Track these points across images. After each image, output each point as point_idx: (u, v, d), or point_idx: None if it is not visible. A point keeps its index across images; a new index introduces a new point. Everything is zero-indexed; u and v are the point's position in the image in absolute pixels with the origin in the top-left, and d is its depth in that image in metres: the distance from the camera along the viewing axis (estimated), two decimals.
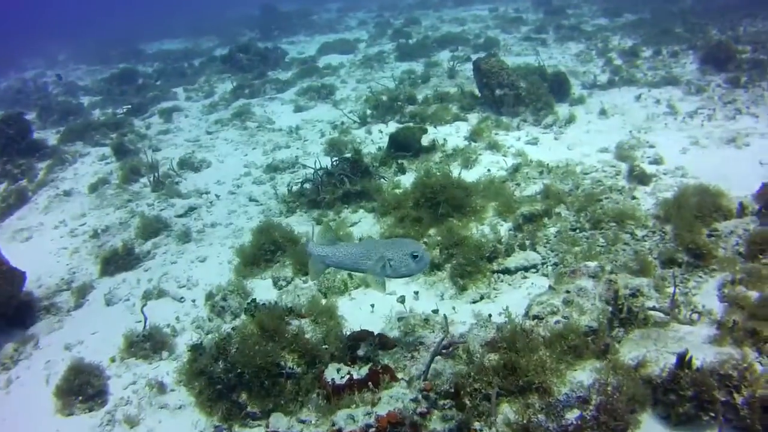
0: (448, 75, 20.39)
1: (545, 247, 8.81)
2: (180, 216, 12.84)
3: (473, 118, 15.36)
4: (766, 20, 23.96)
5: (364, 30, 35.65)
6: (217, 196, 13.55)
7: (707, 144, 12.27)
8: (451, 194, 9.94)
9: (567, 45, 23.76)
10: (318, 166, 12.29)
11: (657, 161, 11.46)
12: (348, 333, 6.58)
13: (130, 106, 22.73)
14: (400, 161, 12.71)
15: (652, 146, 12.28)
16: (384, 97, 17.02)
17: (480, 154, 12.81)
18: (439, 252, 8.80)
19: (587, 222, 9.15)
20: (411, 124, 14.31)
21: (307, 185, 12.23)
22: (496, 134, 14.03)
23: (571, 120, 14.46)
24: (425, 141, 13.13)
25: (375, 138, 15.15)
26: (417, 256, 5.66)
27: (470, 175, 11.57)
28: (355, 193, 11.50)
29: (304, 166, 13.77)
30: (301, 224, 11.30)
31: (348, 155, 12.71)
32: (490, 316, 6.89)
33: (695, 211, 8.60)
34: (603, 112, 14.63)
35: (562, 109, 15.26)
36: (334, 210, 11.42)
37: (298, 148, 15.74)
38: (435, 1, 43.74)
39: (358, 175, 11.89)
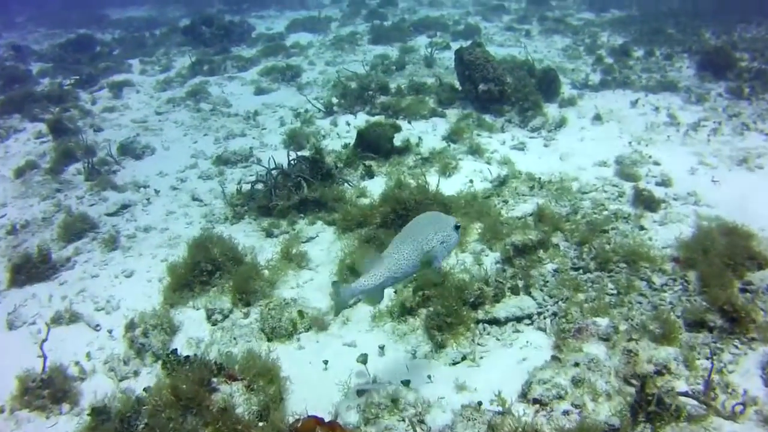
0: (425, 63, 18.62)
1: (542, 290, 7.18)
2: (111, 214, 10.93)
3: (452, 114, 13.70)
4: (761, 26, 22.71)
5: (337, 8, 33.58)
6: (157, 192, 11.66)
7: (717, 164, 10.81)
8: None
9: (552, 38, 22.18)
10: (272, 165, 10.52)
11: (665, 183, 9.93)
12: (290, 420, 4.84)
13: (78, 77, 20.43)
14: (368, 163, 10.99)
15: (656, 163, 10.77)
16: (353, 84, 15.25)
17: (460, 159, 11.16)
18: (412, 293, 7.12)
19: (592, 260, 7.55)
20: (382, 120, 12.57)
21: (259, 186, 10.46)
22: (479, 135, 12.40)
23: (561, 124, 12.88)
24: (398, 140, 11.44)
25: (341, 130, 13.39)
26: (458, 225, 5.22)
27: (449, 186, 9.90)
28: (314, 201, 9.76)
29: (258, 162, 11.99)
30: (248, 236, 9.55)
31: (308, 153, 10.94)
32: (480, 404, 5.23)
33: (725, 257, 7.06)
34: (598, 118, 13.07)
35: (552, 111, 13.69)
36: (288, 220, 9.66)
37: (254, 138, 13.90)
38: None
39: (319, 177, 10.17)
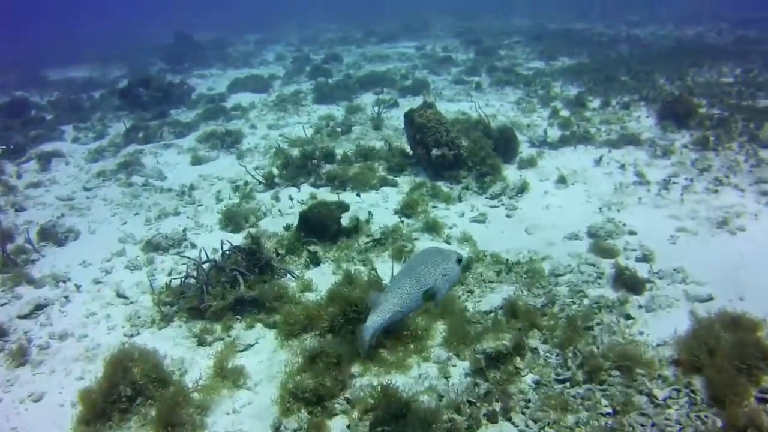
0: (372, 124, 17.52)
1: (523, 413, 5.92)
2: (23, 317, 9.39)
3: (405, 182, 12.59)
4: (713, 69, 22.38)
5: (281, 65, 32.65)
6: (77, 287, 10.11)
7: (696, 229, 9.83)
8: None
9: (504, 90, 21.43)
10: (204, 257, 9.18)
11: (646, 257, 8.87)
12: None
13: (5, 147, 18.75)
14: (312, 249, 9.73)
15: (632, 232, 9.74)
16: (296, 153, 14.05)
17: (416, 239, 9.98)
18: (369, 431, 5.80)
19: (579, 368, 6.35)
20: (327, 199, 11.30)
21: (192, 280, 9.08)
22: (434, 207, 11.28)
23: (523, 188, 11.84)
24: (345, 219, 10.22)
25: (284, 206, 12.12)
26: (461, 259, 5.20)
27: None
28: (252, 300, 8.42)
29: (193, 246, 10.64)
30: (177, 344, 8.11)
31: (244, 241, 9.62)
32: None
33: (735, 358, 5.94)
34: (561, 180, 12.08)
35: (511, 174, 12.68)
36: (223, 324, 8.28)
37: (188, 217, 12.51)
38: (358, 36, 41.31)
39: (257, 270, 8.86)
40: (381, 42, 38.30)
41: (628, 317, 7.43)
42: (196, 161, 16.20)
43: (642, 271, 8.42)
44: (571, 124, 16.06)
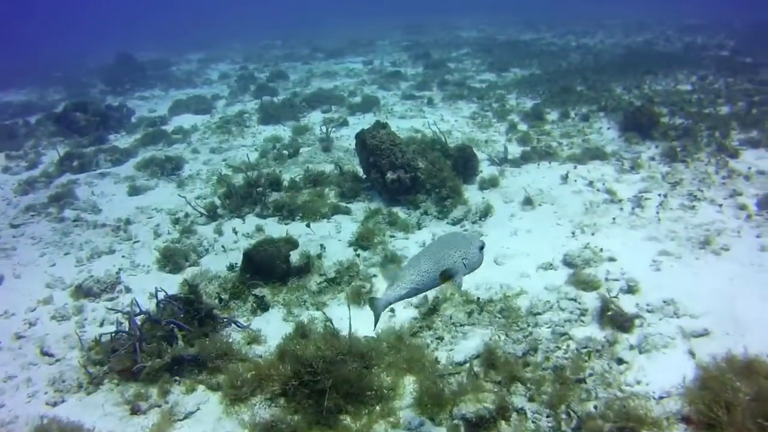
0: (321, 146, 16.43)
1: None
2: None
3: (358, 209, 11.60)
4: (668, 77, 22.01)
5: (225, 84, 31.33)
6: None
7: (679, 251, 9.06)
8: (342, 374, 6.02)
9: (457, 104, 20.59)
10: (137, 307, 8.02)
11: (631, 289, 7.99)
12: None
13: None
14: (259, 293, 8.63)
15: (612, 259, 8.91)
16: (240, 180, 12.93)
17: (374, 276, 8.97)
18: None
19: None
20: (273, 237, 10.13)
21: (124, 334, 7.89)
22: (392, 237, 10.29)
23: (487, 212, 10.94)
24: (295, 256, 9.16)
25: (227, 241, 11.00)
26: (483, 246, 5.17)
27: (365, 320, 7.63)
28: (191, 359, 7.29)
29: (128, 290, 9.44)
30: (107, 414, 6.92)
31: (181, 291, 8.48)
32: None
33: (757, 414, 5.07)
34: (528, 202, 11.22)
35: (473, 195, 11.80)
36: (159, 387, 7.12)
37: (124, 256, 11.24)
38: (304, 52, 40.22)
39: (197, 322, 7.73)
40: (328, 58, 37.26)
41: (620, 361, 6.54)
42: (134, 191, 14.92)
43: (628, 304, 7.56)
44: (530, 139, 15.30)
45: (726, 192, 11.19)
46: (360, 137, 12.02)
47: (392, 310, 7.97)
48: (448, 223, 10.77)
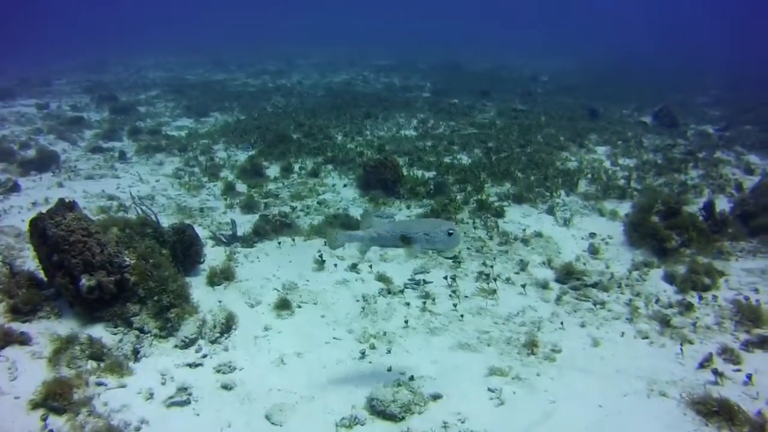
0: None
1: None
2: None
3: (40, 335, 7.51)
4: (389, 121, 20.62)
5: None
6: None
7: (508, 365, 6.81)
8: None
9: (156, 158, 16.66)
10: None
11: None
12: None
13: None
14: None
15: (436, 396, 6.25)
16: None
17: None
18: None
19: None
20: None
21: None
22: (99, 385, 6.53)
23: (229, 324, 7.69)
24: None
25: None
26: (452, 233, 5.64)
27: None
28: None
29: None
30: None
31: None
32: None
33: None
34: (284, 305, 8.22)
35: (203, 297, 8.41)
36: None
37: None
38: None
39: None
40: None
41: None
42: None
43: None
44: (256, 204, 12.33)
45: (515, 264, 9.39)
46: (35, 225, 7.94)
47: None
48: (177, 346, 7.29)
